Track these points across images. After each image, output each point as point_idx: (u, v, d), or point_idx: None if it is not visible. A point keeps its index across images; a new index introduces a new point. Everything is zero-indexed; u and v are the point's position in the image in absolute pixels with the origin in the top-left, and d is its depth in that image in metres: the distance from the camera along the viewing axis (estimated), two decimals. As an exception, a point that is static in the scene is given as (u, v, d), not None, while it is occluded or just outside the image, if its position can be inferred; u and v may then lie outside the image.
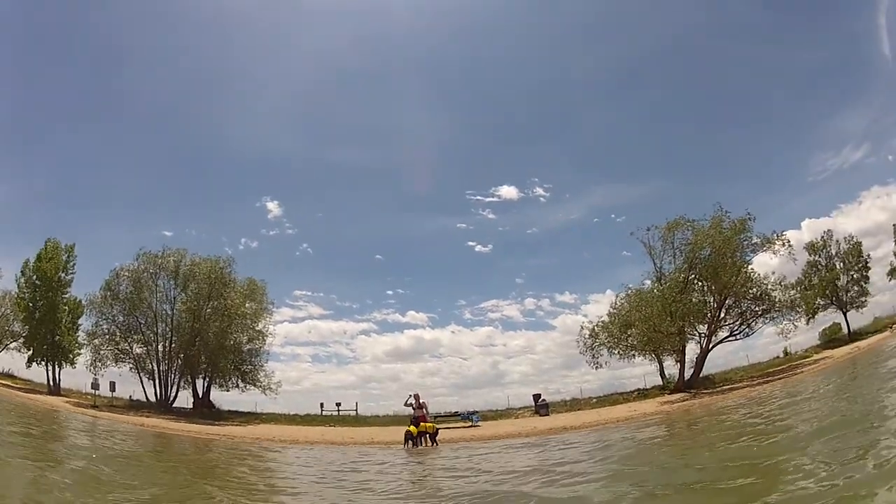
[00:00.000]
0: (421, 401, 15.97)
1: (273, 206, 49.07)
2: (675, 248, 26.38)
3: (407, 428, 15.06)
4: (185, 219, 53.37)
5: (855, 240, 34.75)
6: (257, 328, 28.58)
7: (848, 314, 33.81)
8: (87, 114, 50.52)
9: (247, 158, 54.44)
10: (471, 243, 49.48)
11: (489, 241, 52.21)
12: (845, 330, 33.64)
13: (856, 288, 34.11)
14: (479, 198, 52.49)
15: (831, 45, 48.80)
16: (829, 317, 34.54)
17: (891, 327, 30.96)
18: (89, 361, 29.12)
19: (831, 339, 33.04)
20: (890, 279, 37.52)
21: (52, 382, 29.18)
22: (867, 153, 48.15)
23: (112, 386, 28.81)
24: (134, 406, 28.98)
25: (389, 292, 56.51)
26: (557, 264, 53.19)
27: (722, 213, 26.35)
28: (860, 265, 34.62)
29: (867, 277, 34.73)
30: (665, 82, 54.43)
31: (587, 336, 26.90)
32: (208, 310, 27.57)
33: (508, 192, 48.07)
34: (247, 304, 27.80)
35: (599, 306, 46.70)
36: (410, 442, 14.47)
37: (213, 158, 53.90)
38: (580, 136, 55.35)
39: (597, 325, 26.90)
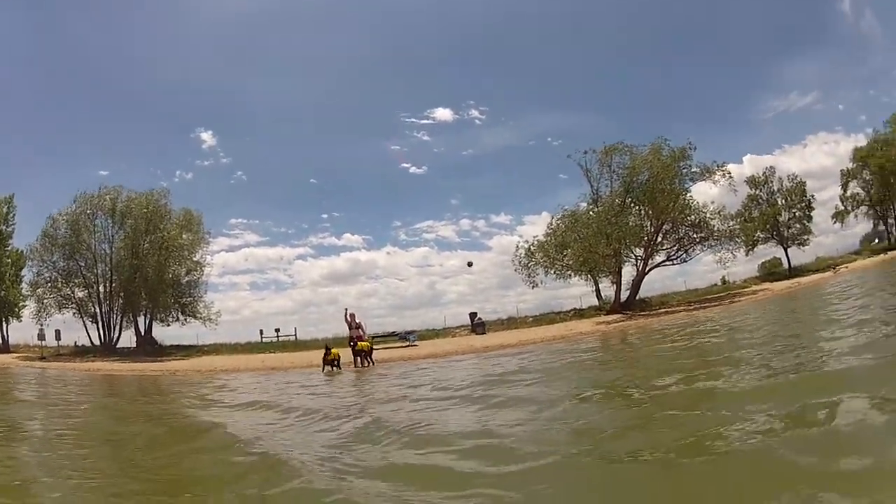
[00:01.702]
0: (357, 320, 16.10)
1: (207, 137, 47.81)
2: (612, 172, 26.69)
3: (323, 355, 14.94)
4: (121, 156, 51.56)
5: (799, 179, 35.57)
6: (195, 259, 28.36)
7: (789, 250, 34.78)
8: (13, 54, 47.88)
9: (180, 90, 52.89)
10: (405, 165, 49.56)
11: (424, 163, 51.69)
12: (786, 265, 34.65)
13: (797, 225, 34.86)
14: (413, 120, 51.88)
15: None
16: (769, 251, 35.46)
17: (834, 268, 31.67)
18: (34, 312, 28.65)
19: (771, 272, 33.97)
20: (835, 222, 38.81)
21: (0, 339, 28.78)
22: (815, 100, 49.12)
23: (57, 334, 28.46)
24: (80, 352, 28.75)
25: (325, 216, 54.55)
26: (493, 186, 52.50)
27: (662, 141, 26.74)
28: (804, 204, 35.39)
29: (810, 217, 35.50)
30: (613, 17, 53.74)
31: (523, 255, 27.24)
32: (146, 244, 27.18)
33: (443, 114, 46.84)
34: (183, 236, 27.43)
35: (535, 227, 47.81)
36: (328, 367, 14.40)
37: (145, 92, 51.95)
38: (518, 63, 54.66)
39: (532, 244, 27.22)
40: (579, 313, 25.80)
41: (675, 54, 51.88)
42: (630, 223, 26.01)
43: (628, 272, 27.16)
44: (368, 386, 8.88)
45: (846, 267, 31.35)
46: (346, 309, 15.98)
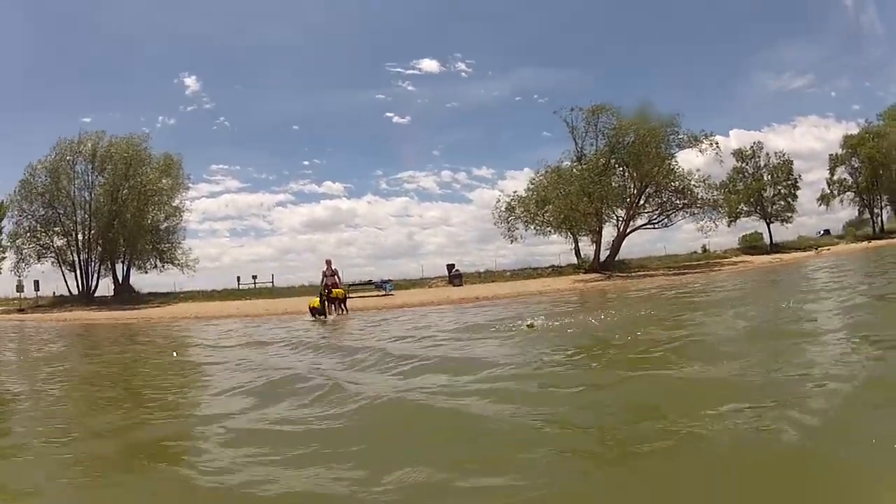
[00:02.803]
0: (333, 267, 16.04)
1: (191, 82, 46.18)
2: (597, 132, 26.59)
3: (310, 304, 14.86)
4: (105, 103, 50.33)
5: (786, 156, 35.61)
6: (174, 204, 28.13)
7: (772, 226, 34.99)
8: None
9: (165, 34, 51.98)
10: (389, 114, 49.17)
11: (407, 113, 51.39)
12: (767, 240, 34.86)
13: (782, 202, 35.06)
14: (399, 70, 50.43)
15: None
16: (751, 224, 35.50)
17: (816, 249, 31.94)
18: (13, 264, 28.16)
19: (752, 245, 34.09)
20: (820, 204, 39.09)
21: (-22, 294, 28.44)
22: (809, 83, 49.06)
23: (36, 285, 28.15)
24: (58, 302, 28.63)
25: (306, 162, 54.22)
26: (476, 139, 51.92)
27: (649, 107, 26.60)
28: (790, 182, 35.56)
29: (795, 195, 35.65)
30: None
31: (503, 209, 27.06)
32: (125, 190, 26.77)
33: (430, 65, 45.40)
34: (163, 181, 27.10)
35: (517, 182, 48.10)
36: (315, 314, 14.29)
37: (131, 36, 50.50)
38: (508, 17, 53.37)
39: (513, 199, 27.07)
40: (557, 270, 25.80)
41: (670, 21, 51.63)
42: (613, 184, 25.99)
43: (609, 232, 27.25)
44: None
45: (828, 249, 31.65)
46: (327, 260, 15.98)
